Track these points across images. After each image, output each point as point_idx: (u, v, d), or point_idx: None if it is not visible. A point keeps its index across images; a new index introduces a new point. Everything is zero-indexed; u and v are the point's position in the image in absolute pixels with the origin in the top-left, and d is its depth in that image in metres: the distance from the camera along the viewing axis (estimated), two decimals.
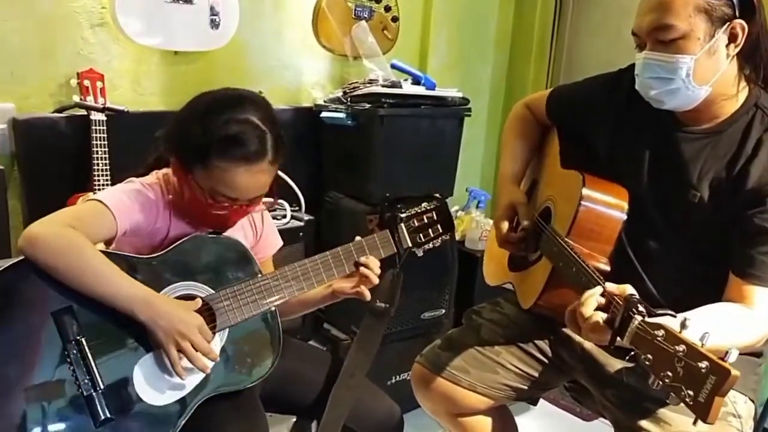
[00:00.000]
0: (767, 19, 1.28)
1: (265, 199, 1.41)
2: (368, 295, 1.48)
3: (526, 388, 1.59)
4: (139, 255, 1.32)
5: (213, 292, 1.34)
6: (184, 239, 1.35)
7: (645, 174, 1.41)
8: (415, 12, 2.97)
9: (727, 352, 0.89)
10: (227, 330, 1.35)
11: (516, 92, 3.39)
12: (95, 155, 2.01)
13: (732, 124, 1.31)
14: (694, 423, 0.91)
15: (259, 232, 1.55)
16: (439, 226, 1.57)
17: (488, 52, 3.27)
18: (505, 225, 1.55)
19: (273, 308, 1.40)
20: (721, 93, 1.30)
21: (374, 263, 1.47)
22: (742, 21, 1.23)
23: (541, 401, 2.35)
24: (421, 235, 1.55)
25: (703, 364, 0.89)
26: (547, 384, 1.62)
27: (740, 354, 1.32)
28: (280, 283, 1.39)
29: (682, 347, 0.92)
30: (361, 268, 1.46)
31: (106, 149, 2.02)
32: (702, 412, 0.89)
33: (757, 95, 1.32)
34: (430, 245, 1.57)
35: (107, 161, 2.02)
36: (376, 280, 1.47)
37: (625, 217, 1.38)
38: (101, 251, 1.26)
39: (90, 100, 2.04)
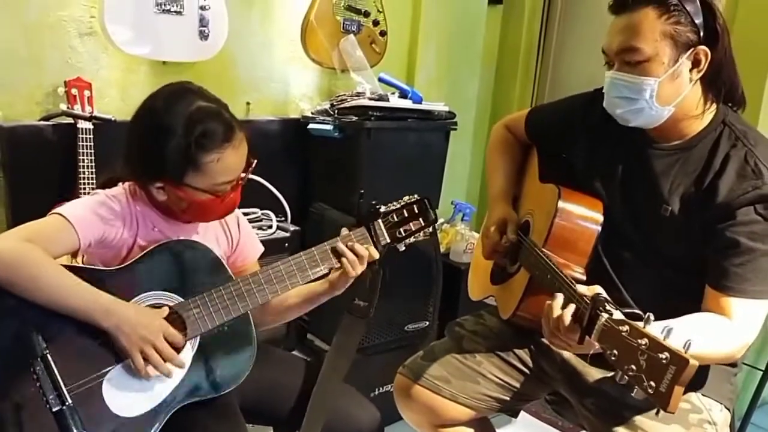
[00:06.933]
0: (731, 46, 1.32)
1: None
2: (351, 272, 1.44)
3: (507, 399, 1.60)
4: (106, 267, 1.31)
5: (182, 300, 1.33)
6: (151, 248, 1.34)
7: (618, 189, 1.45)
8: (403, 27, 3.00)
9: (687, 343, 0.93)
10: (199, 338, 1.34)
11: (502, 107, 3.44)
12: (81, 163, 2.01)
13: (701, 140, 1.35)
14: (657, 413, 0.94)
15: (235, 239, 1.55)
16: (420, 219, 1.54)
17: (475, 67, 3.31)
18: (497, 236, 1.58)
19: (246, 313, 1.38)
20: (686, 113, 1.34)
21: (360, 249, 1.44)
22: (706, 48, 1.28)
23: (523, 414, 2.37)
24: (401, 229, 1.52)
25: (664, 355, 0.92)
26: (528, 395, 1.64)
27: (716, 364, 1.37)
28: (253, 287, 1.37)
29: (644, 341, 0.96)
30: (343, 255, 1.43)
31: (93, 158, 2.02)
32: (663, 401, 0.92)
33: (725, 113, 1.36)
34: (412, 239, 1.54)
35: (93, 170, 2.02)
36: (358, 270, 1.44)
37: (599, 229, 1.42)
38: (64, 265, 1.24)
39: (77, 109, 2.04)
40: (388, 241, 1.50)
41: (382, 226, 1.50)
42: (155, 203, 1.39)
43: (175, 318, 1.32)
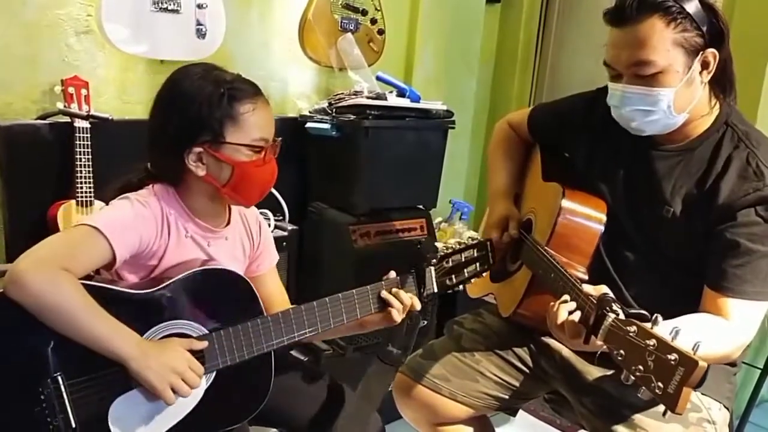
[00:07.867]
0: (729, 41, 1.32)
1: None
2: (398, 318, 1.40)
3: (506, 397, 1.60)
4: (134, 288, 1.26)
5: (206, 332, 1.27)
6: (180, 276, 1.26)
7: (620, 189, 1.44)
8: (401, 25, 3.00)
9: (696, 345, 0.93)
10: (214, 372, 1.28)
11: (500, 106, 3.43)
12: (78, 163, 2.00)
13: (703, 141, 1.35)
14: (664, 414, 0.94)
15: (257, 242, 1.49)
16: (477, 264, 1.48)
17: (473, 66, 3.30)
18: (498, 233, 1.57)
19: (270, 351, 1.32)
20: (697, 114, 1.34)
21: (405, 298, 1.40)
22: (713, 49, 1.27)
23: (521, 412, 2.36)
24: (453, 276, 1.47)
25: (673, 356, 0.92)
26: (527, 394, 1.64)
27: (715, 364, 1.36)
28: (282, 327, 1.31)
29: (652, 341, 0.96)
30: (388, 302, 1.39)
31: (90, 157, 2.01)
32: (671, 402, 0.92)
33: (728, 112, 1.36)
34: (461, 287, 1.48)
35: (90, 169, 2.01)
36: (398, 319, 1.40)
37: (602, 228, 1.42)
38: (94, 285, 1.19)
39: (74, 108, 2.03)
40: (435, 291, 1.44)
41: (433, 275, 1.44)
42: (187, 200, 1.33)
43: (194, 350, 1.25)
